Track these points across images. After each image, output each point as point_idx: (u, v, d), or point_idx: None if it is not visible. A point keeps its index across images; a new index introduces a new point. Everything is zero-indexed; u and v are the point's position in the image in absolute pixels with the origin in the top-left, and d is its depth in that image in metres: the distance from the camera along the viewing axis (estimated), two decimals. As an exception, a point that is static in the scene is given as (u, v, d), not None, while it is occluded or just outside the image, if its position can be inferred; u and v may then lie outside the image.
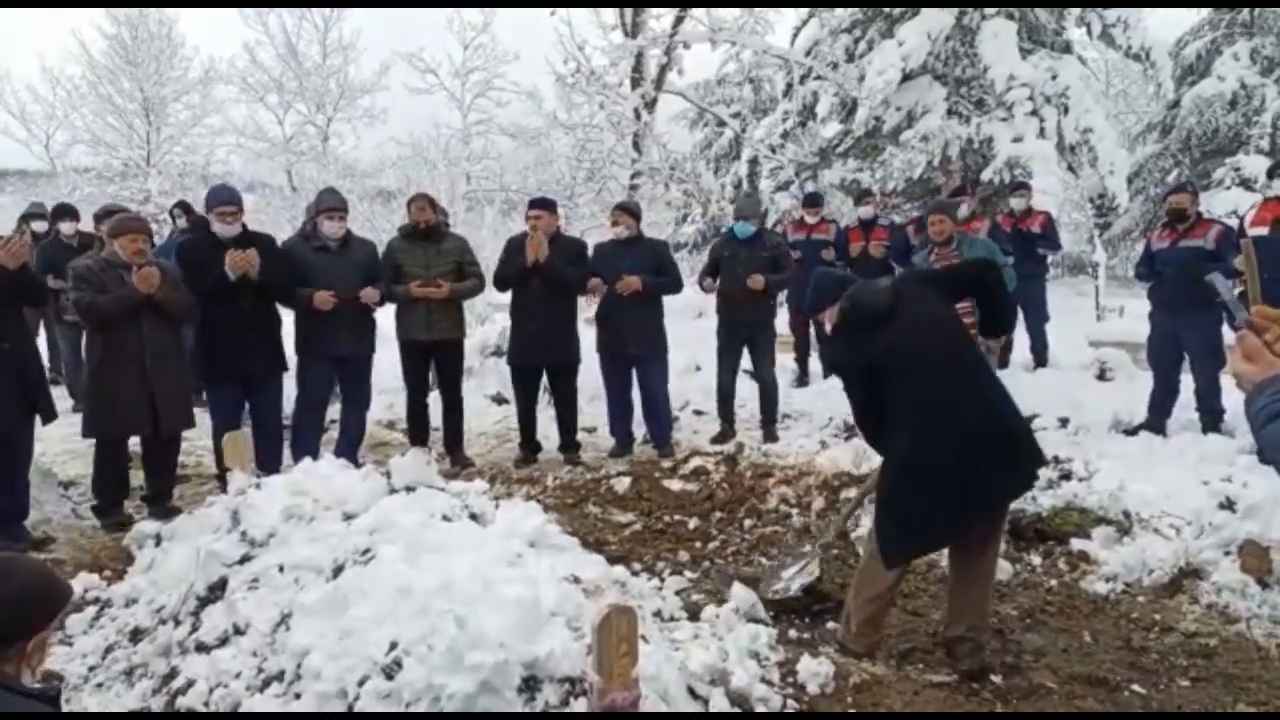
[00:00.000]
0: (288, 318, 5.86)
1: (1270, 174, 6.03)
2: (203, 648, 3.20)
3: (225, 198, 5.50)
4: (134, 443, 5.28)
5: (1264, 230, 5.71)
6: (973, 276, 3.87)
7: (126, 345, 4.92)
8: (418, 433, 6.47)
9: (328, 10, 22.05)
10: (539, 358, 6.32)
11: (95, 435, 5.05)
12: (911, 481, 3.35)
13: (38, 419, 4.86)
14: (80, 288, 4.87)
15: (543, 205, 6.34)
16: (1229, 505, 4.57)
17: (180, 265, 5.53)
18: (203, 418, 5.64)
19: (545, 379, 6.65)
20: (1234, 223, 6.47)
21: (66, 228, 7.90)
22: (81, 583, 4.01)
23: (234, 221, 5.40)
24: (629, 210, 6.56)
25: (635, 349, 6.33)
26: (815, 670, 3.29)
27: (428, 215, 6.24)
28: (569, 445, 6.46)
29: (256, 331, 5.45)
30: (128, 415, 4.96)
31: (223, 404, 5.54)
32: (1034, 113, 12.07)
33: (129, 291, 4.87)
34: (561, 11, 13.42)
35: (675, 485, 5.58)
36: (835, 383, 8.10)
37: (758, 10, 15.40)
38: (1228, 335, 1.53)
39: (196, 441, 6.20)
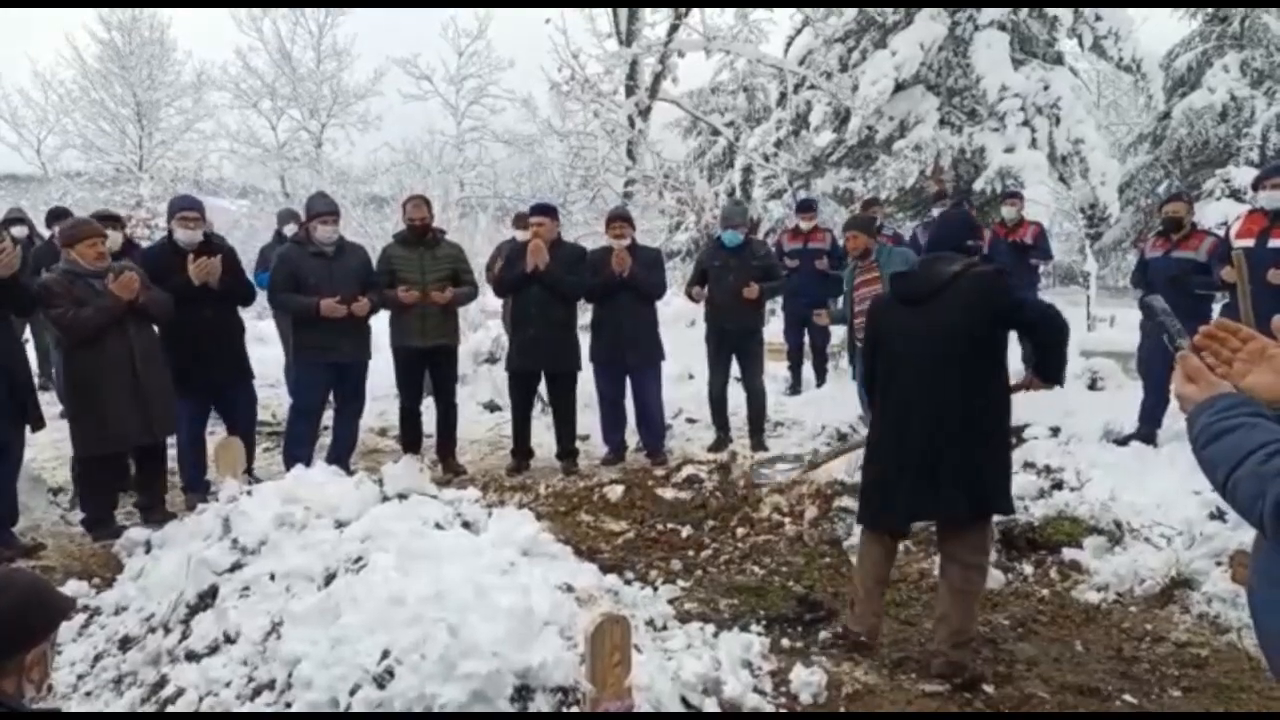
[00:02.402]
0: (265, 326, 5.85)
1: (1255, 186, 6.06)
2: (193, 656, 3.18)
3: (187, 203, 5.54)
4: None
5: (1249, 242, 5.74)
6: (1024, 321, 3.63)
7: (115, 354, 4.78)
8: (410, 440, 6.46)
9: (322, 15, 22.09)
10: (538, 364, 6.32)
11: (94, 451, 4.87)
12: (866, 458, 3.82)
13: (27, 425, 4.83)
14: (56, 304, 4.66)
15: (545, 211, 6.36)
16: (1220, 515, 4.58)
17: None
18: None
19: (542, 387, 6.64)
20: (1223, 233, 6.51)
21: (18, 231, 7.88)
22: (71, 590, 3.97)
23: (195, 227, 5.41)
24: (630, 220, 6.58)
25: (633, 358, 6.34)
26: (808, 680, 3.29)
27: (423, 213, 6.26)
28: (567, 452, 6.45)
29: (219, 339, 5.42)
30: (125, 426, 4.83)
31: (188, 411, 5.47)
32: (1026, 123, 12.14)
33: (109, 301, 4.72)
34: (556, 19, 13.46)
35: (668, 493, 5.58)
36: (828, 391, 8.18)
37: (752, 19, 15.46)
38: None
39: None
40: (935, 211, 8.68)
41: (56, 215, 8.02)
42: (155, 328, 5.11)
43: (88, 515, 5.01)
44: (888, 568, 3.79)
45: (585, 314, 6.74)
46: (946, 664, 3.46)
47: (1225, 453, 1.41)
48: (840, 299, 6.51)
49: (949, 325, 3.45)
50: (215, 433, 5.80)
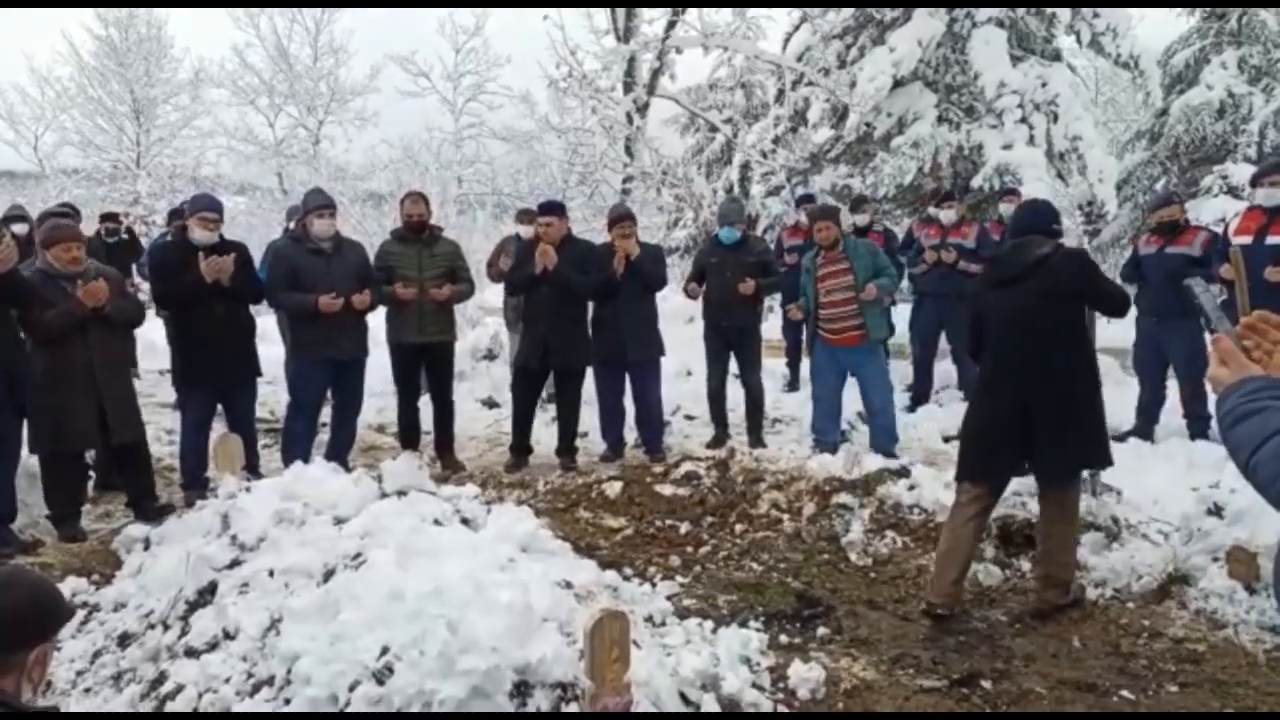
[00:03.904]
0: (264, 323, 5.85)
1: (1253, 182, 6.08)
2: (192, 652, 3.19)
3: (207, 204, 5.54)
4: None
5: (1248, 239, 5.76)
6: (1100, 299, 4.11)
7: (73, 356, 4.81)
8: (408, 436, 6.46)
9: (319, 12, 22.01)
10: (548, 361, 6.32)
11: (44, 449, 4.91)
12: (969, 418, 4.16)
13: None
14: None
15: (553, 210, 6.34)
16: (1217, 511, 4.59)
17: (152, 269, 5.56)
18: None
19: (547, 384, 6.64)
20: (1220, 230, 6.53)
21: (19, 229, 7.84)
22: (70, 587, 3.99)
23: (214, 229, 5.43)
24: (634, 219, 6.61)
25: (635, 355, 6.35)
26: (806, 675, 3.30)
27: (421, 209, 6.27)
28: (566, 449, 6.45)
29: (230, 337, 5.43)
30: (77, 427, 4.85)
31: (196, 408, 5.50)
32: (1024, 120, 12.12)
33: (73, 306, 4.75)
34: (554, 16, 13.42)
35: (667, 490, 5.58)
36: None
37: (750, 15, 15.43)
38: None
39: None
40: (931, 209, 8.68)
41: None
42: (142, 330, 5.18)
43: (53, 512, 5.00)
44: (968, 538, 3.98)
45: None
46: (1037, 599, 4.04)
47: (1249, 434, 1.43)
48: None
49: (1041, 301, 3.86)
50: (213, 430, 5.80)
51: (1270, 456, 1.39)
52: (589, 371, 6.54)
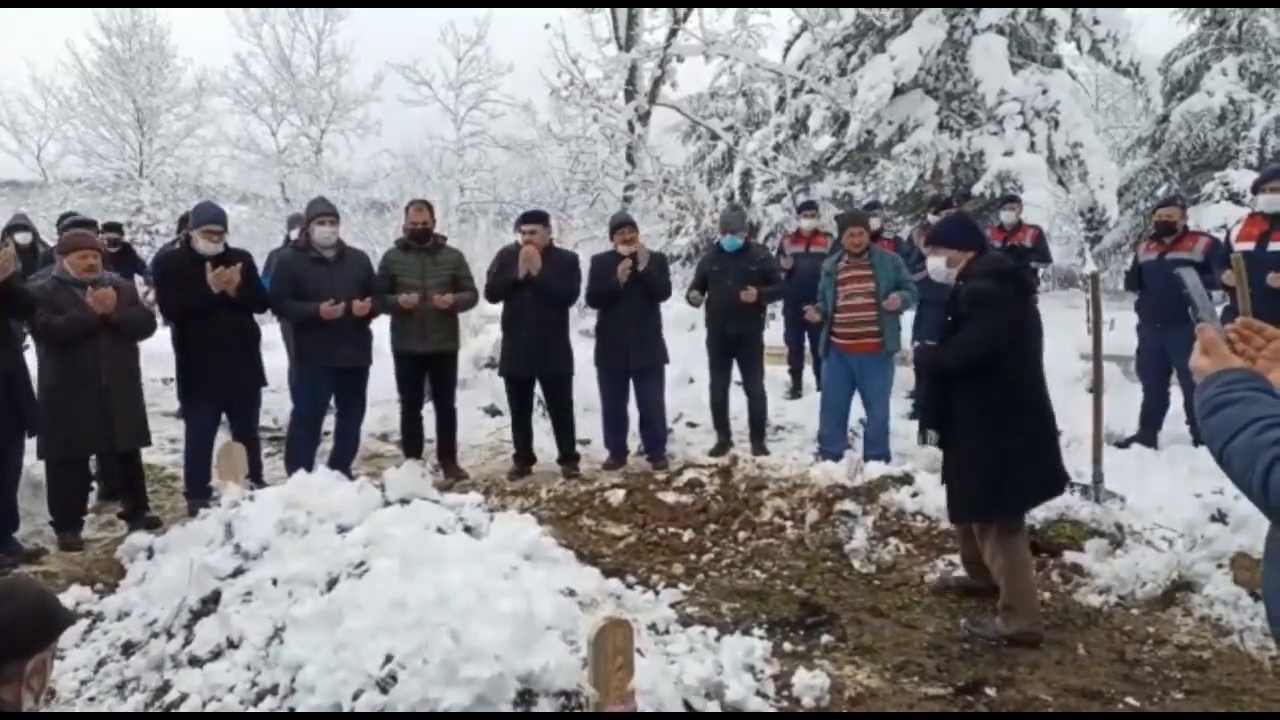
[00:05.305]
0: (267, 331, 5.86)
1: (1254, 189, 6.09)
2: (196, 661, 3.19)
3: (212, 216, 5.53)
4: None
5: (1249, 246, 5.77)
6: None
7: (83, 363, 4.85)
8: (411, 445, 6.46)
9: (321, 21, 22.15)
10: (530, 368, 6.33)
11: (53, 456, 4.94)
12: (1008, 447, 3.77)
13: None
14: (35, 308, 4.76)
15: (536, 219, 6.38)
16: (1221, 518, 4.59)
17: (158, 279, 5.57)
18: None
19: (540, 391, 6.65)
20: (1222, 236, 6.55)
21: (22, 238, 7.87)
22: (73, 595, 3.99)
23: (218, 241, 5.44)
24: (636, 227, 6.63)
25: (638, 362, 6.35)
26: (810, 683, 3.30)
27: (425, 217, 6.29)
28: (567, 456, 6.45)
29: (236, 347, 5.44)
30: (85, 434, 4.89)
31: (200, 418, 5.52)
32: (1024, 127, 12.14)
33: (84, 312, 4.80)
34: (556, 24, 13.49)
35: (669, 497, 5.57)
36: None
37: (750, 24, 15.50)
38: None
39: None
40: (932, 216, 8.70)
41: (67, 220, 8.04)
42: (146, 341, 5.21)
43: (55, 519, 5.03)
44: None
45: (587, 318, 6.74)
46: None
47: (1225, 424, 1.47)
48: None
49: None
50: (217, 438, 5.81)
51: (1243, 446, 1.42)
52: (592, 378, 6.55)
